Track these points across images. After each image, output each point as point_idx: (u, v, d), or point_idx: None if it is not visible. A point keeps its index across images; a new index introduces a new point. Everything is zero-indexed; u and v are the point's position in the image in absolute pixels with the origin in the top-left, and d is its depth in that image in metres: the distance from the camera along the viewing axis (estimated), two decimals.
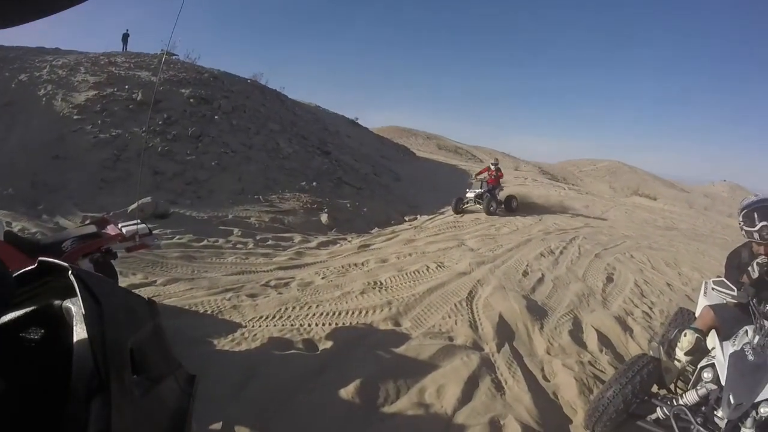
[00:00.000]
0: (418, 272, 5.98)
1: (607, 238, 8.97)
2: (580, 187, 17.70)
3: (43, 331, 1.23)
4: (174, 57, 15.52)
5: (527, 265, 6.64)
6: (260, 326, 4.14)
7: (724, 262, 3.25)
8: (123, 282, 4.57)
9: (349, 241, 7.90)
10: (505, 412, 3.14)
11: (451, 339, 4.16)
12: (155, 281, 4.95)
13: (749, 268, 2.91)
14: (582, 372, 3.73)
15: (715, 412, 2.55)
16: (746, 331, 2.69)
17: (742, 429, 2.41)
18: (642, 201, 20.46)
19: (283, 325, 4.19)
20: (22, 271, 1.25)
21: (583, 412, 3.16)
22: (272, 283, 5.29)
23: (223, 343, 3.77)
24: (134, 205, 6.67)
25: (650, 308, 5.61)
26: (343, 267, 6.15)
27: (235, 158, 9.82)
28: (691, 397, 2.70)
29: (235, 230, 7.23)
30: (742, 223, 2.89)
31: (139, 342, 1.24)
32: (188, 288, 4.87)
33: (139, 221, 3.90)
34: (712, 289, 3.06)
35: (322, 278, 5.63)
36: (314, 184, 10.27)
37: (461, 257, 6.80)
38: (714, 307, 3.06)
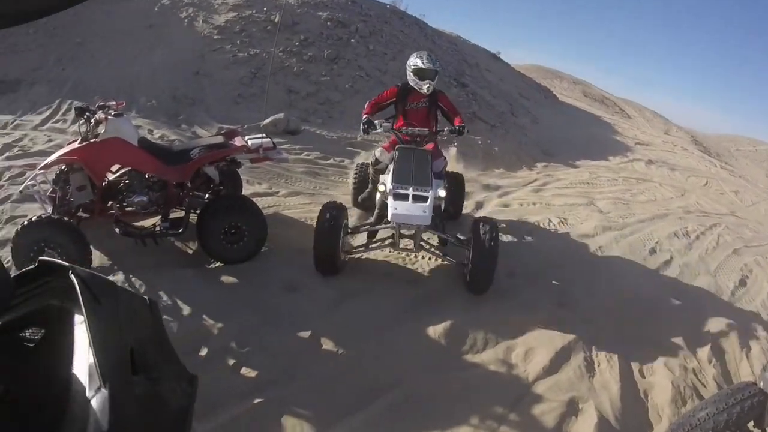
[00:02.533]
0: (539, 224, 5.62)
1: (752, 234, 7.39)
2: (733, 168, 14.64)
3: (43, 331, 1.26)
4: None
5: (657, 243, 5.82)
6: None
7: None
8: (247, 190, 4.83)
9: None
10: (587, 396, 2.94)
11: None
12: (278, 192, 5.22)
13: None
14: (682, 378, 3.31)
15: None
16: None
17: None
18: None
19: (390, 251, 4.13)
20: (22, 271, 1.28)
21: (668, 423, 2.87)
22: None
23: None
24: (267, 120, 6.98)
25: None
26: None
27: (369, 82, 9.75)
28: None
29: (362, 152, 7.28)
30: None
31: (139, 342, 1.25)
32: (308, 202, 5.05)
33: (264, 135, 4.03)
34: None
35: None
36: None
37: (588, 217, 6.16)
38: None
